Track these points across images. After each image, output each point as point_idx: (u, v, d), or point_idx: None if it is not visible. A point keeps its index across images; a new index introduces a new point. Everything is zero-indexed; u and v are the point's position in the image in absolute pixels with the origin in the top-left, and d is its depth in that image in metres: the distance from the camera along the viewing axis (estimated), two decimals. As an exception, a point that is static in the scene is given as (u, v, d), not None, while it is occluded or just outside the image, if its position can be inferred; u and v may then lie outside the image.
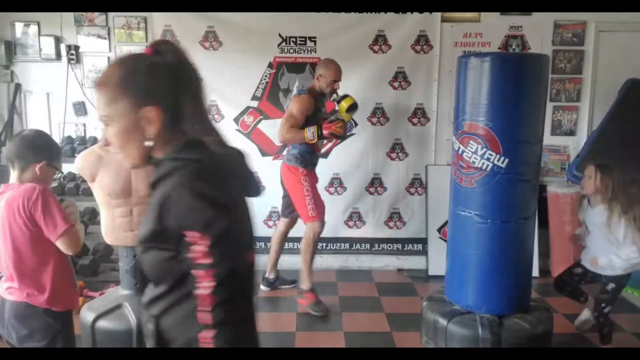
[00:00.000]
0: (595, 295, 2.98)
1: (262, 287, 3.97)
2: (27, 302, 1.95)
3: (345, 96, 3.61)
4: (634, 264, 2.78)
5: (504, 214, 2.56)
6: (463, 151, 2.59)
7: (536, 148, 2.61)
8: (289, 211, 3.81)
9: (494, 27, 4.36)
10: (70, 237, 1.95)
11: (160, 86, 1.16)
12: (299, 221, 3.79)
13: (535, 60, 2.66)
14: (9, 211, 1.89)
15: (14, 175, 1.99)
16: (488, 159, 2.49)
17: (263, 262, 4.48)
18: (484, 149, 2.50)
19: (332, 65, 3.57)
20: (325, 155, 4.41)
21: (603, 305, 2.86)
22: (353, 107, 3.61)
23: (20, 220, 1.88)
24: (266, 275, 3.98)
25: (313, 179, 3.69)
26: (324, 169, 4.43)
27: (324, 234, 4.47)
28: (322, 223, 3.61)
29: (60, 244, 1.95)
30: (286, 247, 4.50)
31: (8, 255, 1.93)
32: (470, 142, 2.54)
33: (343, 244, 4.34)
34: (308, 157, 3.63)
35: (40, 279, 1.96)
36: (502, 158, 2.47)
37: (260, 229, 4.50)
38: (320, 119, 3.60)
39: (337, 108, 3.68)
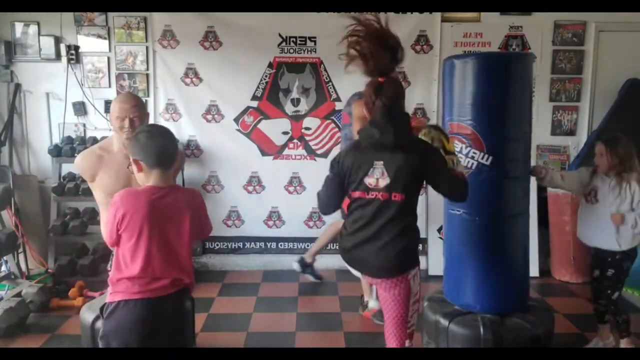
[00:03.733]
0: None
1: (294, 265, 4.09)
2: (187, 288, 2.01)
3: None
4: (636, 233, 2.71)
5: (490, 211, 2.57)
6: None
7: (523, 145, 2.61)
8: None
9: (494, 27, 4.37)
10: None
11: None
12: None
13: (516, 59, 2.69)
14: (193, 209, 1.97)
15: (162, 175, 1.92)
16: (473, 157, 2.52)
17: (263, 261, 4.48)
18: (469, 148, 2.53)
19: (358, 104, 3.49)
20: (325, 155, 4.41)
21: (609, 292, 2.81)
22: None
23: (197, 218, 2.00)
24: (304, 256, 4.08)
25: None
26: (324, 169, 4.43)
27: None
28: None
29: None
30: (286, 248, 4.52)
31: (184, 250, 1.96)
32: (456, 142, 2.56)
33: (343, 244, 4.32)
34: None
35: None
36: (486, 156, 2.50)
37: (260, 229, 4.50)
38: None
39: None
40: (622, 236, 2.75)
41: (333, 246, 4.47)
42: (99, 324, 2.34)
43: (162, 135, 1.93)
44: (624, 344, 2.85)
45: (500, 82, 2.51)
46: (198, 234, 2.06)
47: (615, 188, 2.74)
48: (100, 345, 1.95)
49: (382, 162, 2.05)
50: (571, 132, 4.52)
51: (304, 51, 4.33)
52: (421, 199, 4.42)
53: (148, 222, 1.86)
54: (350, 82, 4.31)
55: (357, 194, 2.12)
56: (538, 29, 4.38)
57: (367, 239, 2.10)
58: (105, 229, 1.93)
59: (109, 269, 2.19)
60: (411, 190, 2.07)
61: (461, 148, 2.54)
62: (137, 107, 2.44)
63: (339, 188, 2.21)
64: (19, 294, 3.46)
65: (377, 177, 2.05)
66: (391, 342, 2.13)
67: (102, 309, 1.97)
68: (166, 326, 1.94)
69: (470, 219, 2.59)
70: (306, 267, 4.07)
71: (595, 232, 2.84)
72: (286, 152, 4.45)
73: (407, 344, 2.11)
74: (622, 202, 2.73)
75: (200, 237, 2.13)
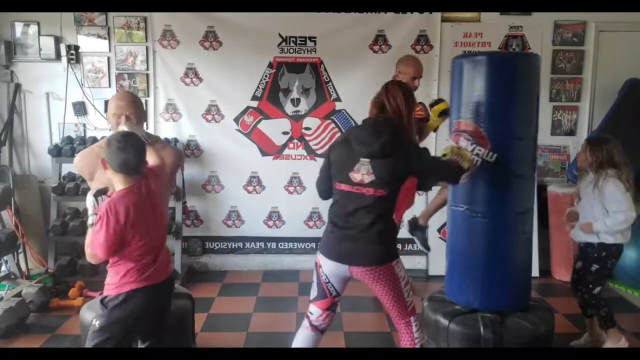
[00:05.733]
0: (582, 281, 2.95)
1: (404, 222, 3.78)
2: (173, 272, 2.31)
3: (439, 100, 3.44)
4: (620, 229, 2.77)
5: (493, 208, 2.58)
6: None
7: (529, 144, 2.62)
8: None
9: (494, 27, 4.37)
10: None
11: None
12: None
13: (524, 59, 2.71)
14: (158, 190, 2.15)
15: (126, 176, 2.06)
16: (477, 155, 2.53)
17: (263, 261, 4.48)
18: (473, 145, 2.55)
19: (411, 62, 3.49)
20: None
21: (591, 286, 2.86)
22: (445, 113, 3.49)
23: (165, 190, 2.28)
24: (417, 217, 3.81)
25: None
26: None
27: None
28: None
29: None
30: (286, 248, 4.52)
31: (164, 231, 2.23)
32: (461, 139, 2.59)
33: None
34: None
35: None
36: (491, 154, 2.51)
37: (260, 229, 4.50)
38: None
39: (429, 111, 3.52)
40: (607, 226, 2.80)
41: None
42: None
43: (132, 149, 2.05)
44: (611, 334, 2.87)
45: (508, 81, 2.53)
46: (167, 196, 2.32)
47: (591, 184, 2.83)
48: (95, 338, 2.03)
49: (368, 160, 2.14)
50: (571, 132, 4.53)
51: (304, 51, 4.33)
52: (420, 198, 4.46)
53: (139, 217, 2.04)
54: (350, 82, 4.34)
55: (342, 187, 2.21)
56: (538, 29, 4.38)
57: (353, 231, 2.19)
58: (103, 242, 1.97)
59: None
60: (394, 188, 2.18)
61: (466, 145, 2.56)
62: (133, 104, 2.46)
63: (328, 177, 2.31)
64: (19, 294, 3.46)
65: (363, 173, 2.14)
66: (400, 322, 2.29)
67: (102, 301, 2.08)
68: (167, 308, 2.25)
69: (472, 215, 2.60)
70: (416, 229, 3.82)
71: (579, 228, 2.93)
72: (286, 152, 4.44)
73: (412, 320, 2.28)
74: (596, 197, 2.80)
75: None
